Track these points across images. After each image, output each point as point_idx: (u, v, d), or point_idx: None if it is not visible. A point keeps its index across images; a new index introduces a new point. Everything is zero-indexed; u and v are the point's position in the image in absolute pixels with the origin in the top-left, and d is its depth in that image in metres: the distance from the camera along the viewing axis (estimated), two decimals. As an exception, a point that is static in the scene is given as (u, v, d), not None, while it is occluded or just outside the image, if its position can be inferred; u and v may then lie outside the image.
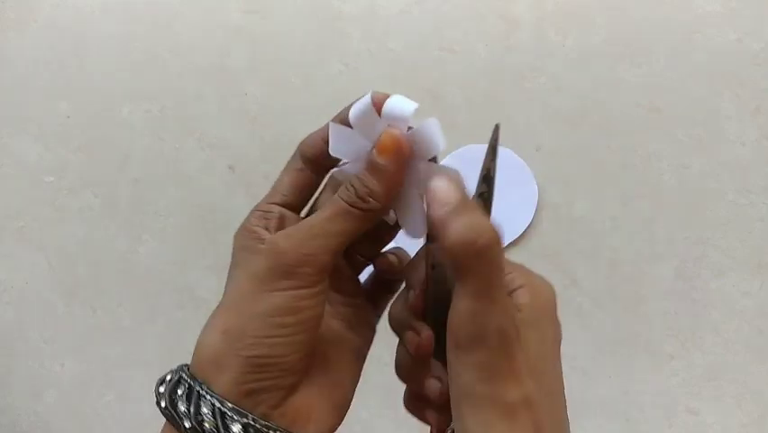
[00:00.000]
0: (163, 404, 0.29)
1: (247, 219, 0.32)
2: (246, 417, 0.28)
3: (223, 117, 0.78)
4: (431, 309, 0.31)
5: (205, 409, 0.28)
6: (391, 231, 0.33)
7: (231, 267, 0.31)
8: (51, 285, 0.77)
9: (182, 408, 0.28)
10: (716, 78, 0.72)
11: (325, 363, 0.31)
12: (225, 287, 0.31)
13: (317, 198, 0.34)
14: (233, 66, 0.80)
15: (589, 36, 0.75)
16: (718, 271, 0.69)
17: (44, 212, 0.79)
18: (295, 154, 0.33)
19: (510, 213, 0.71)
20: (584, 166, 0.73)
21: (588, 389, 0.68)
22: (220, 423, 0.27)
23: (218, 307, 0.31)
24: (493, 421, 0.26)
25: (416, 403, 0.32)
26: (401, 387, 0.33)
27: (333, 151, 0.31)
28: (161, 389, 0.30)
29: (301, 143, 0.33)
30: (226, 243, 0.31)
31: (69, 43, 0.83)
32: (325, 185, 0.33)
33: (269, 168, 0.72)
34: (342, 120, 0.31)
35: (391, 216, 0.32)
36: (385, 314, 0.35)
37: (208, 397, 0.28)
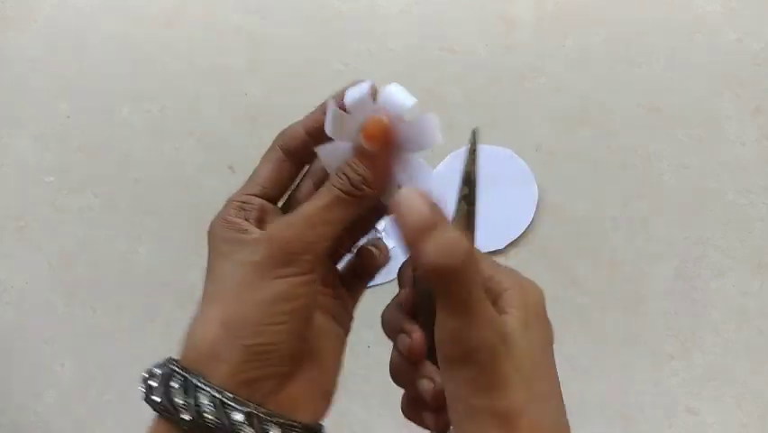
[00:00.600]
0: (157, 398, 0.29)
1: (225, 210, 0.32)
2: (248, 405, 0.28)
3: (223, 117, 0.78)
4: (421, 309, 0.31)
5: (204, 401, 0.28)
6: (371, 221, 0.34)
7: (213, 259, 0.31)
8: (51, 285, 0.77)
9: (179, 400, 0.28)
10: (716, 78, 0.72)
11: (312, 352, 0.32)
12: (209, 280, 0.31)
13: (297, 187, 0.34)
14: (233, 66, 0.80)
15: (589, 36, 0.75)
16: (718, 271, 0.69)
17: (44, 212, 0.79)
18: (273, 146, 0.33)
19: (510, 213, 0.71)
20: (584, 166, 0.73)
21: (588, 389, 0.68)
22: (222, 413, 0.27)
23: (208, 299, 0.30)
24: (489, 431, 0.26)
25: (414, 408, 0.32)
26: (401, 388, 0.33)
27: (330, 131, 0.31)
28: (153, 383, 0.29)
29: (281, 135, 0.33)
30: (226, 243, 0.31)
31: (69, 43, 0.83)
32: (305, 174, 0.34)
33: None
34: (340, 101, 0.31)
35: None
36: (374, 309, 0.35)
37: (207, 388, 0.28)
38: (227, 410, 0.27)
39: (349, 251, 0.36)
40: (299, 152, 0.33)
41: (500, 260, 0.71)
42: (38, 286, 0.77)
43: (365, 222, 0.34)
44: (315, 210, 0.30)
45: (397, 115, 0.29)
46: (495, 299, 0.29)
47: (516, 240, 0.71)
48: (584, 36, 0.75)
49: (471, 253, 0.26)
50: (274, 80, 0.78)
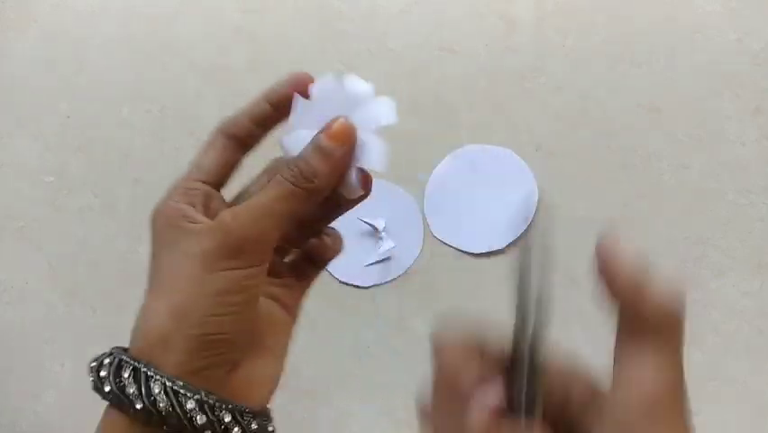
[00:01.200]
0: (107, 388, 0.29)
1: (169, 196, 0.32)
2: (199, 393, 0.28)
3: (222, 117, 0.78)
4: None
5: (156, 390, 0.28)
6: (326, 218, 0.34)
7: (159, 247, 0.31)
8: (51, 285, 0.77)
9: (131, 390, 0.28)
10: (716, 78, 0.72)
11: (261, 339, 0.32)
12: (156, 269, 0.31)
13: (254, 181, 0.34)
14: (233, 66, 0.80)
15: (589, 36, 0.75)
16: (718, 271, 0.69)
17: (44, 212, 0.79)
18: (216, 133, 0.33)
19: (510, 213, 0.71)
20: (584, 166, 0.73)
21: (588, 389, 0.68)
22: (174, 401, 0.28)
23: (155, 289, 0.31)
24: None
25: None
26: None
27: (294, 121, 0.31)
28: (103, 373, 0.29)
29: (226, 122, 0.33)
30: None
31: (69, 43, 0.83)
32: (263, 171, 0.34)
33: (269, 168, 0.71)
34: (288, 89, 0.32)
35: (349, 188, 0.31)
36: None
37: (158, 377, 0.28)
38: (179, 399, 0.28)
39: (300, 246, 0.35)
40: (242, 139, 0.33)
41: (500, 260, 0.71)
42: (38, 286, 0.77)
43: (320, 218, 0.34)
44: (263, 201, 0.30)
45: (373, 129, 0.30)
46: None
47: (515, 240, 0.71)
48: (584, 36, 0.75)
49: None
50: (274, 80, 0.78)
